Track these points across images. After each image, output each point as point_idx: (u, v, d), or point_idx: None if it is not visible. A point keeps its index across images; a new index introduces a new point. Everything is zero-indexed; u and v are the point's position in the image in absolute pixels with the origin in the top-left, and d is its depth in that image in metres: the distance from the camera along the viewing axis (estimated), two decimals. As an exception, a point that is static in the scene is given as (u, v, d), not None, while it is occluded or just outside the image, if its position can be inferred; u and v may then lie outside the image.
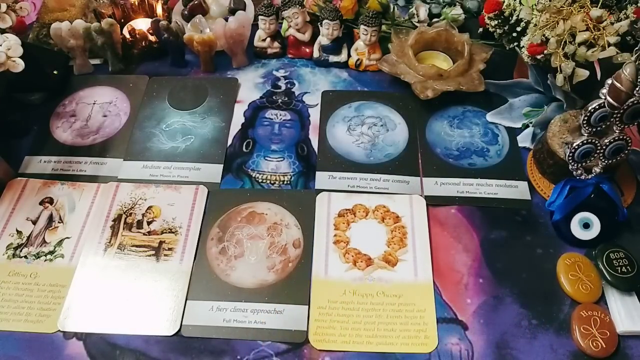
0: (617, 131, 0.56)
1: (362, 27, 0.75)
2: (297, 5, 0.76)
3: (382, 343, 0.53)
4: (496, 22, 0.71)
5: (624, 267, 0.55)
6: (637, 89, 0.51)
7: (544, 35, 0.62)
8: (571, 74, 0.60)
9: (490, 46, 0.76)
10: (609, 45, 0.57)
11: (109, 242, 0.60)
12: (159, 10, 0.84)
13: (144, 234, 0.61)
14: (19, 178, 0.66)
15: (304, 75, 0.79)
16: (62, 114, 0.74)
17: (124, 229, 0.62)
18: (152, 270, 0.58)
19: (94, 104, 0.75)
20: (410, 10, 0.84)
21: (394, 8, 0.82)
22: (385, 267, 0.58)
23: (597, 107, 0.54)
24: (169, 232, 0.61)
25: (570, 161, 0.58)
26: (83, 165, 0.68)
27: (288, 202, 0.63)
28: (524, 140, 0.69)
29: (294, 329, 0.54)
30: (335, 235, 0.61)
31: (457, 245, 0.61)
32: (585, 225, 0.59)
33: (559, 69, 0.61)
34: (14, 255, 0.59)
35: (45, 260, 0.59)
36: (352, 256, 0.59)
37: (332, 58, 0.79)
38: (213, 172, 0.67)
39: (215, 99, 0.75)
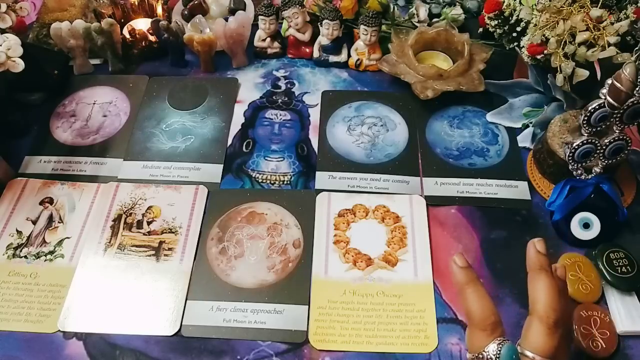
0: (617, 131, 0.56)
1: (362, 27, 0.75)
2: (297, 5, 0.76)
3: (382, 343, 0.53)
4: (496, 22, 0.71)
5: (624, 267, 0.55)
6: (637, 89, 0.51)
7: (544, 35, 0.62)
8: (571, 74, 0.60)
9: (490, 46, 0.76)
10: (609, 45, 0.57)
11: (109, 242, 0.60)
12: (159, 10, 0.84)
13: (144, 234, 0.61)
14: (19, 178, 0.66)
15: (304, 75, 0.79)
16: (62, 114, 0.74)
17: (124, 229, 0.62)
18: (152, 270, 0.58)
19: (94, 104, 0.75)
20: (410, 10, 0.84)
21: (394, 8, 0.82)
22: (385, 267, 0.58)
23: (597, 107, 0.54)
24: (169, 232, 0.61)
25: (570, 161, 0.58)
26: (83, 165, 0.68)
27: (288, 202, 0.63)
28: (524, 140, 0.69)
29: (294, 329, 0.54)
30: (335, 235, 0.61)
31: (457, 245, 0.61)
32: (585, 225, 0.59)
33: (559, 69, 0.61)
34: (14, 255, 0.59)
35: (45, 260, 0.59)
36: (352, 256, 0.59)
37: (332, 58, 0.79)
38: (213, 172, 0.67)
39: (215, 99, 0.75)
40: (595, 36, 0.58)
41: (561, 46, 0.60)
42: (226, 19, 0.76)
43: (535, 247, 0.44)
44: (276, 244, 0.60)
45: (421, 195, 0.64)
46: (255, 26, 0.80)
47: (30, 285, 0.57)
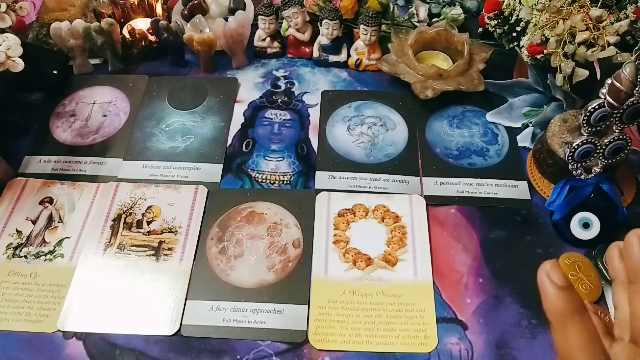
0: (617, 131, 0.56)
1: (362, 27, 0.75)
2: (297, 5, 0.76)
3: (382, 343, 0.53)
4: (496, 22, 0.71)
5: (624, 267, 0.55)
6: (637, 89, 0.51)
7: (544, 35, 0.62)
8: (571, 74, 0.60)
9: (490, 46, 0.76)
10: (609, 45, 0.57)
11: (109, 242, 0.60)
12: (159, 10, 0.84)
13: (144, 234, 0.61)
14: (19, 178, 0.66)
15: (304, 75, 0.79)
16: (62, 114, 0.74)
17: (124, 229, 0.62)
18: (152, 270, 0.58)
19: (94, 104, 0.75)
20: (410, 10, 0.84)
21: (394, 8, 0.82)
22: (385, 267, 0.58)
23: (597, 107, 0.54)
24: (169, 232, 0.61)
25: (570, 161, 0.58)
26: (83, 165, 0.68)
27: (288, 202, 0.63)
28: (524, 140, 0.69)
29: (294, 329, 0.54)
30: (335, 235, 0.61)
31: (457, 245, 0.61)
32: (585, 225, 0.59)
33: (559, 69, 0.61)
34: (14, 255, 0.59)
35: (45, 260, 0.59)
36: (352, 256, 0.59)
37: (332, 58, 0.79)
38: (213, 172, 0.67)
39: (215, 99, 0.75)
40: (595, 36, 0.58)
41: (561, 46, 0.60)
42: (226, 19, 0.76)
43: None
44: (276, 244, 0.60)
45: (421, 195, 0.64)
46: (255, 26, 0.80)
47: (30, 285, 0.57)
